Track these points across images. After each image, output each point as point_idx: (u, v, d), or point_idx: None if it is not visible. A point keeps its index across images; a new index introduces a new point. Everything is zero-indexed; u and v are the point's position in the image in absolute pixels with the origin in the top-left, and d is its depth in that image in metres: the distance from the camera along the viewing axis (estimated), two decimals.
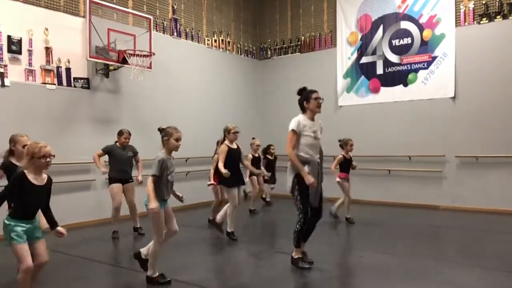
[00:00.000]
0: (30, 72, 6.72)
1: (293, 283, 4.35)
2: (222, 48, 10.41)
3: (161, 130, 4.09)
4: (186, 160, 8.72)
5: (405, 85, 9.15)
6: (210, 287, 4.19)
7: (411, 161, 8.94)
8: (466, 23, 8.50)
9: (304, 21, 10.74)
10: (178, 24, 9.26)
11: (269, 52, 11.35)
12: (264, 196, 9.41)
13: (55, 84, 7.00)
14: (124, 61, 7.47)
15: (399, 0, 9.21)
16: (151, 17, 8.17)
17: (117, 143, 6.26)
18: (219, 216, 6.14)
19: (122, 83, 7.96)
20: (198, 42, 9.77)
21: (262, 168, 8.61)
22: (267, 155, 9.04)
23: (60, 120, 7.01)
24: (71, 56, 7.23)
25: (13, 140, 4.20)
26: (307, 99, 4.57)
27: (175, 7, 9.19)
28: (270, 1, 11.33)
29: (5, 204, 3.42)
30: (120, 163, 6.19)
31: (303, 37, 10.72)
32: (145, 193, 4.05)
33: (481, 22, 8.31)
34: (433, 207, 8.61)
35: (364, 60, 9.71)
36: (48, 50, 6.94)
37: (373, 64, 9.59)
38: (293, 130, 4.47)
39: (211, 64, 10.02)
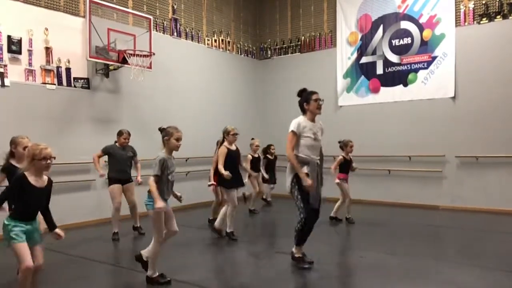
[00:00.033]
0: (30, 72, 6.72)
1: (293, 283, 4.35)
2: (222, 48, 10.41)
3: (161, 129, 4.10)
4: (186, 160, 8.72)
5: (405, 85, 9.15)
6: (210, 287, 4.19)
7: (411, 161, 8.94)
8: (466, 23, 8.50)
9: (304, 21, 10.74)
10: (178, 24, 9.26)
11: (269, 52, 11.35)
12: (265, 197, 9.42)
13: (55, 84, 7.00)
14: (124, 61, 7.47)
15: (399, 0, 9.21)
16: (151, 17, 8.18)
17: (116, 143, 6.26)
18: (217, 223, 6.15)
19: (122, 83, 7.97)
20: (198, 42, 9.77)
21: (262, 168, 8.63)
22: (267, 155, 9.04)
23: (60, 120, 7.01)
24: (71, 56, 7.23)
25: (14, 142, 4.20)
26: (307, 100, 4.58)
27: (175, 7, 9.20)
28: (270, 1, 11.33)
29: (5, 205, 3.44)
30: (119, 163, 6.19)
31: (303, 37, 10.72)
32: (145, 193, 4.05)
33: (481, 22, 8.31)
34: (433, 207, 8.61)
35: (364, 60, 9.71)
36: (48, 50, 6.94)
37: (373, 64, 9.59)
38: (292, 131, 4.48)
39: (211, 64, 10.02)
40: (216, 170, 5.94)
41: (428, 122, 8.80)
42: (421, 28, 8.93)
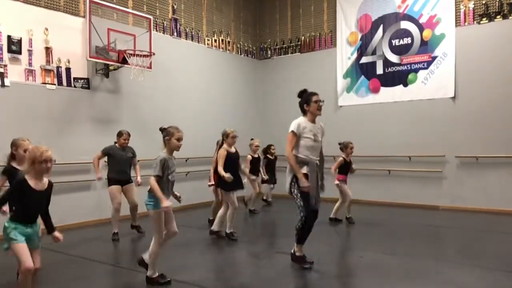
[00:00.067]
0: (30, 72, 6.72)
1: (293, 283, 4.35)
2: (222, 48, 10.41)
3: (162, 129, 4.10)
4: (186, 160, 8.72)
5: (405, 85, 9.15)
6: (210, 287, 4.19)
7: (411, 161, 8.94)
8: (466, 23, 8.50)
9: (304, 21, 10.74)
10: (178, 24, 9.25)
11: (269, 52, 11.34)
12: (265, 197, 9.42)
13: (55, 84, 7.00)
14: (124, 61, 7.47)
15: (399, 0, 9.21)
16: (151, 17, 8.17)
17: (116, 144, 6.26)
18: (215, 226, 6.16)
19: (122, 83, 7.96)
20: (198, 42, 9.77)
21: (262, 168, 8.64)
22: (268, 155, 9.05)
23: (60, 120, 7.01)
24: (71, 56, 7.23)
25: (14, 144, 4.19)
26: (307, 101, 4.58)
27: (175, 7, 9.19)
28: (270, 1, 11.33)
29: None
30: (119, 164, 6.19)
31: (303, 37, 10.72)
32: (145, 193, 4.05)
33: (481, 22, 8.31)
34: (433, 207, 8.61)
35: (364, 60, 9.71)
36: (48, 50, 6.94)
37: (373, 64, 9.58)
38: (292, 132, 4.49)
39: (211, 64, 10.02)
40: (216, 170, 5.96)
41: (428, 122, 8.80)
42: (421, 28, 8.93)
